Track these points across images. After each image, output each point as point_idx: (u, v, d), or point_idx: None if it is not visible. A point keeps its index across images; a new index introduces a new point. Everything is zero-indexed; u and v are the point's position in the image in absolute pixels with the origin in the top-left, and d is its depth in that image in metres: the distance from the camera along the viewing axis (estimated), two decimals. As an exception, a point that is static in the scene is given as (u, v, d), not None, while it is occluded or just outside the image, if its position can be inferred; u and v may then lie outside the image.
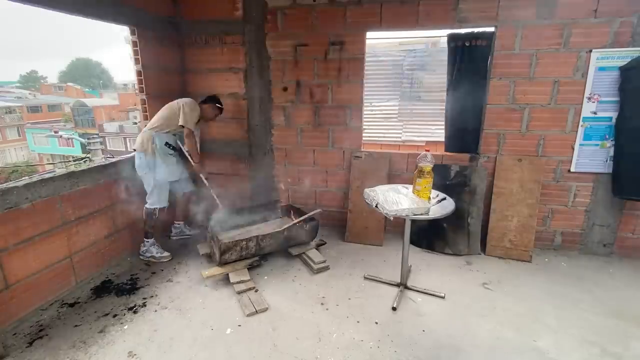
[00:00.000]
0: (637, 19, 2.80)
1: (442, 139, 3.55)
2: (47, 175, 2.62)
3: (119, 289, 2.80)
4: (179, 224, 3.68)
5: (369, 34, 3.38)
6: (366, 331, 2.33)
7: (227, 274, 2.84)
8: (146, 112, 3.45)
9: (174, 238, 3.65)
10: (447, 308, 2.57)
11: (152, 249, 3.21)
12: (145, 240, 3.23)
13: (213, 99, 3.38)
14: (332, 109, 3.63)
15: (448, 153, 3.46)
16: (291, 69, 3.62)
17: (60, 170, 2.78)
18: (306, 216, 3.30)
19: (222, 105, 3.41)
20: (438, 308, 2.57)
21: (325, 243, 3.46)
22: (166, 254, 3.22)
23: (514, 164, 3.25)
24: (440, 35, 3.40)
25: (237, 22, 3.62)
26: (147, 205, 3.17)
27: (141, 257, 3.22)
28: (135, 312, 2.54)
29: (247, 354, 2.15)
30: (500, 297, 2.69)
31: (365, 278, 2.94)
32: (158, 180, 3.10)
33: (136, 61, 3.37)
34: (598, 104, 3.00)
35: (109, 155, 3.48)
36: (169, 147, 3.16)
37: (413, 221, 2.66)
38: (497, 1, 2.99)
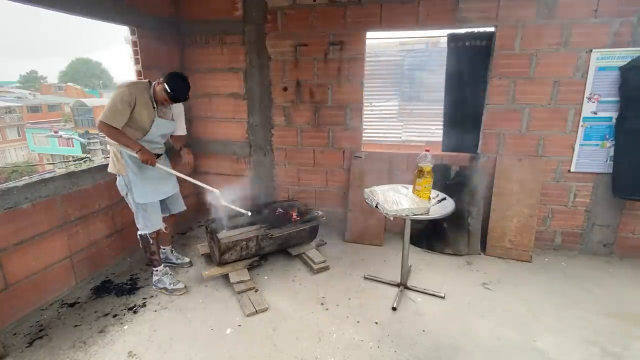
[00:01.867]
0: (637, 19, 2.80)
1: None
2: (47, 175, 2.62)
3: (119, 289, 2.80)
4: (164, 249, 3.10)
5: (369, 34, 3.38)
6: (366, 331, 2.33)
7: (227, 274, 2.84)
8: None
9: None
10: (447, 308, 2.57)
11: (164, 279, 2.77)
12: (154, 269, 2.79)
13: (166, 78, 2.41)
14: (332, 109, 3.63)
15: (448, 153, 3.46)
16: (291, 69, 3.62)
17: (60, 170, 2.78)
18: (308, 217, 3.29)
19: (170, 90, 2.37)
20: (438, 308, 2.57)
21: (325, 243, 3.46)
22: (180, 285, 2.77)
23: (514, 164, 3.24)
24: (440, 35, 3.40)
25: (237, 22, 3.62)
26: (138, 232, 2.68)
27: (154, 287, 2.81)
28: (135, 312, 2.54)
29: (247, 354, 2.15)
30: (500, 297, 2.68)
31: (365, 278, 2.94)
32: (138, 202, 2.57)
33: (136, 61, 3.37)
34: (598, 104, 3.00)
35: (108, 155, 3.26)
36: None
37: (413, 221, 2.66)
38: (497, 1, 2.99)
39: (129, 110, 2.36)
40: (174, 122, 2.70)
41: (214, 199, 2.78)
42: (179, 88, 2.41)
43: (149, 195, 2.59)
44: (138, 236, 2.70)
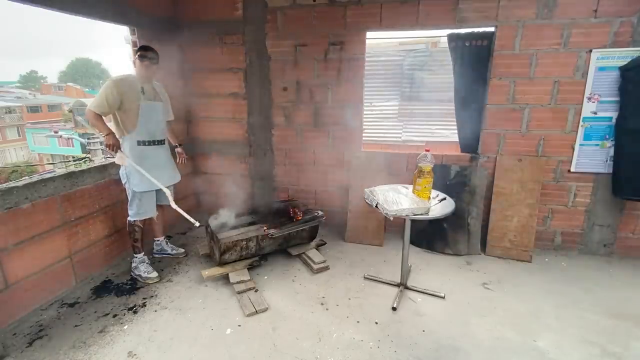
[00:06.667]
0: (637, 19, 2.80)
1: (443, 139, 3.56)
2: (47, 175, 2.61)
3: (119, 289, 2.80)
4: (159, 240, 3.28)
5: (369, 34, 3.38)
6: (366, 331, 2.33)
7: (227, 274, 2.84)
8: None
9: (156, 255, 3.29)
10: (447, 308, 2.57)
11: (140, 267, 2.91)
12: (134, 256, 2.94)
13: (138, 55, 2.70)
14: (332, 109, 3.63)
15: (448, 153, 3.46)
16: (291, 69, 3.62)
17: (60, 170, 2.78)
18: (308, 217, 3.29)
19: (144, 51, 2.69)
20: (438, 308, 2.57)
21: (325, 243, 3.46)
22: (154, 274, 2.89)
23: (514, 164, 3.24)
24: (440, 35, 3.40)
25: (237, 22, 3.62)
26: (128, 218, 2.85)
27: (131, 274, 2.96)
28: (135, 312, 2.54)
29: (247, 354, 2.15)
30: (500, 297, 2.68)
31: (365, 278, 2.94)
32: (135, 190, 2.75)
33: (136, 61, 3.37)
34: (598, 104, 3.00)
35: (108, 155, 3.28)
36: (144, 145, 2.75)
37: (413, 221, 2.66)
38: (497, 1, 2.99)
39: (114, 102, 2.58)
40: (162, 102, 2.91)
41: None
42: (147, 47, 2.73)
43: (145, 184, 2.76)
44: (127, 222, 2.88)
